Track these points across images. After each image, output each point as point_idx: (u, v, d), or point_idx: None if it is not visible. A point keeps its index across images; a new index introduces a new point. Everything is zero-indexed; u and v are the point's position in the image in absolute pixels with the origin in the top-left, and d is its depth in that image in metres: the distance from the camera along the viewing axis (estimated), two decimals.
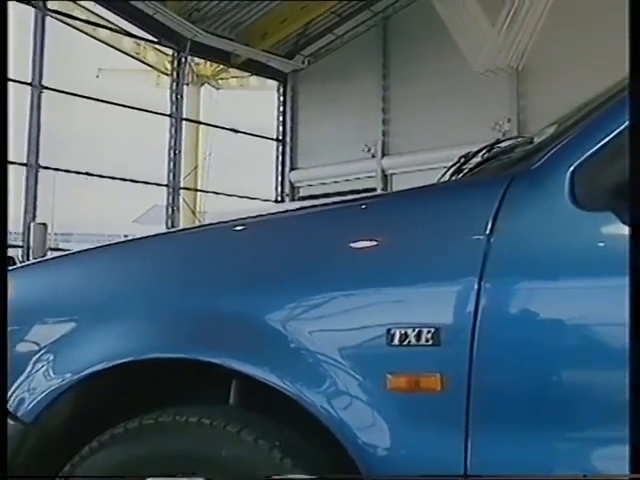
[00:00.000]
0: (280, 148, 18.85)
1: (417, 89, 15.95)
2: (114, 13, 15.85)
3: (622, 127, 1.56)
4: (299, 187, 18.67)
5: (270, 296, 1.74)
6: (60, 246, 20.33)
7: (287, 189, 18.68)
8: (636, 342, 1.40)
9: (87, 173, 15.56)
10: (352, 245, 1.74)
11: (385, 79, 17.10)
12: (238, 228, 2.00)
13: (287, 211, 2.02)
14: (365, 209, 1.90)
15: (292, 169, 18.65)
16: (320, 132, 17.69)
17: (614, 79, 1.83)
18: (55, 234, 20.64)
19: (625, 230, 1.52)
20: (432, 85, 15.55)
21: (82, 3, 15.58)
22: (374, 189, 16.58)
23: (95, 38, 16.42)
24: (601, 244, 1.58)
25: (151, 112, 16.76)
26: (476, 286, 1.56)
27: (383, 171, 17.08)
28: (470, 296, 1.56)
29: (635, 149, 1.44)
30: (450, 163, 2.25)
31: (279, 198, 18.69)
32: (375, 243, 1.74)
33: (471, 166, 2.09)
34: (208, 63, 18.10)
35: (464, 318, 1.56)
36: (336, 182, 17.42)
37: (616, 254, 1.55)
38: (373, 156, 17.12)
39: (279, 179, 18.82)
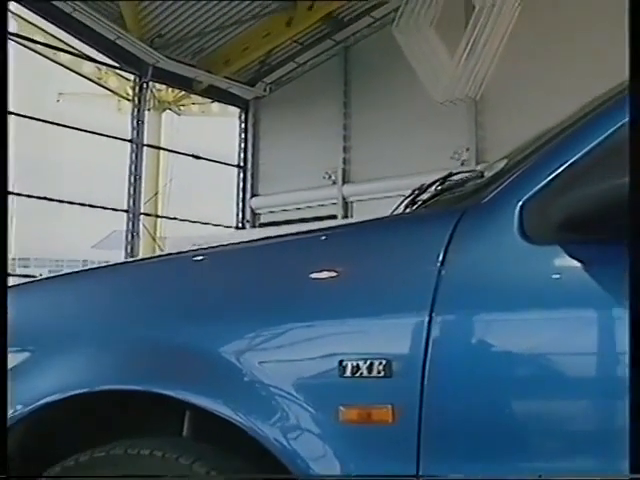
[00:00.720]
0: (241, 174, 18.79)
1: (377, 118, 16.05)
2: (75, 37, 15.74)
3: (571, 160, 1.60)
4: (260, 214, 18.64)
5: (223, 328, 1.74)
6: (18, 272, 20.01)
7: (248, 215, 18.62)
8: (636, 340, 1.39)
9: (46, 198, 15.37)
10: (304, 276, 1.75)
11: (346, 107, 17.18)
12: (193, 259, 2.00)
13: (242, 242, 2.03)
14: (319, 241, 1.91)
15: (253, 195, 18.60)
16: (281, 159, 17.70)
17: (569, 110, 1.87)
18: (13, 259, 20.33)
19: (573, 263, 1.56)
20: (392, 114, 15.67)
21: (43, 26, 15.46)
22: (335, 216, 16.61)
23: (56, 62, 16.29)
24: (550, 277, 1.60)
25: (112, 137, 16.63)
26: (427, 318, 1.57)
27: (344, 198, 17.11)
28: (421, 327, 1.57)
29: (634, 153, 1.43)
30: (410, 190, 2.28)
31: (240, 224, 18.63)
32: (328, 275, 1.75)
33: (424, 198, 2.12)
34: (170, 89, 18.03)
35: (415, 349, 1.57)
36: (297, 209, 17.42)
37: (564, 287, 1.59)
38: (334, 183, 17.15)
39: (240, 205, 18.74)
